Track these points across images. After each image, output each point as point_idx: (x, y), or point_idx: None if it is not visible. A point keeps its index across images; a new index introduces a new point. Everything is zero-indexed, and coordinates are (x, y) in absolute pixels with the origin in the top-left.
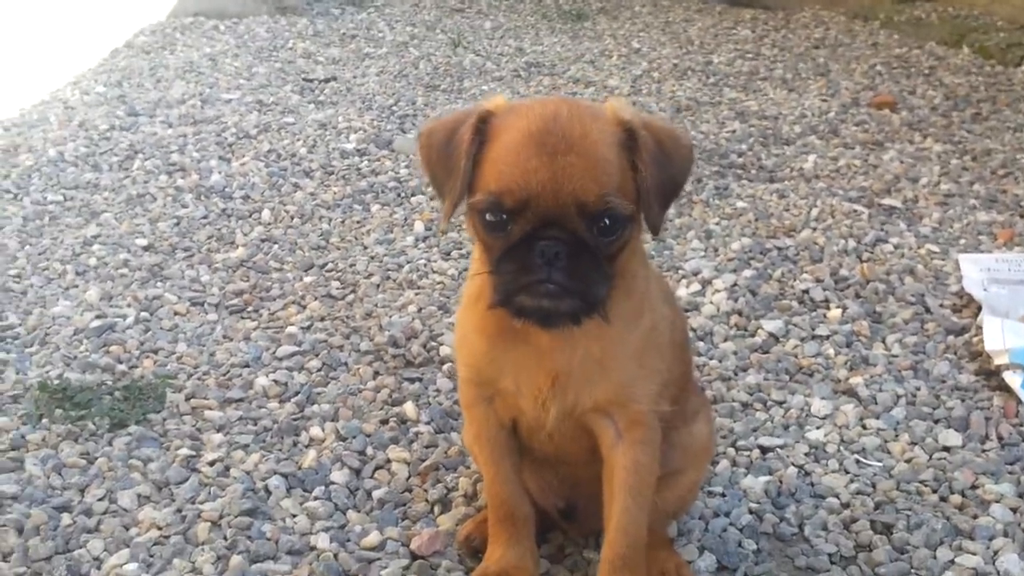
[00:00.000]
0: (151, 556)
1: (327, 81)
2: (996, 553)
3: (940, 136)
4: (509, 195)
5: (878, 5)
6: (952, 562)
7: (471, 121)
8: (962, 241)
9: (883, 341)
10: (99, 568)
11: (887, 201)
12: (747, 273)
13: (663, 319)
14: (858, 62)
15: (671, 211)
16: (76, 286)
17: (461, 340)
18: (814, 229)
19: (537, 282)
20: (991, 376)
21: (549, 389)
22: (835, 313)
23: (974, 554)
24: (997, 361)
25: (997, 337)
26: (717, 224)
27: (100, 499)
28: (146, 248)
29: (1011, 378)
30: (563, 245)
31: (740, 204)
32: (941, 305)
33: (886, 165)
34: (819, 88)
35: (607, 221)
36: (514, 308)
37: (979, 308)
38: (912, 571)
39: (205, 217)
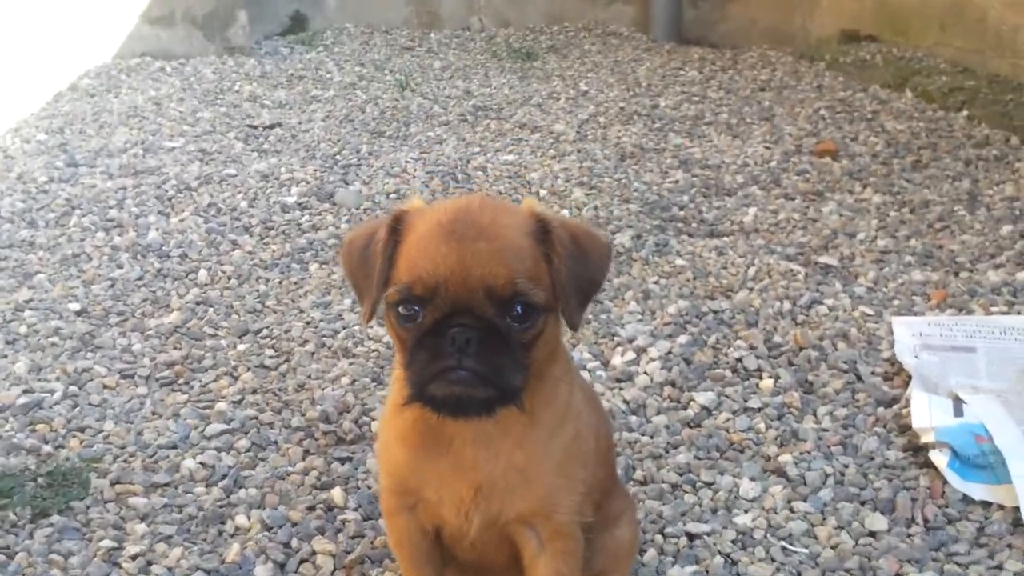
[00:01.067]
0: None
1: (271, 127)
2: None
3: (880, 186)
4: (419, 283)
5: (824, 46)
6: None
7: (387, 221)
8: (896, 302)
9: (814, 413)
10: None
11: (824, 259)
12: (682, 339)
13: (587, 426)
14: (803, 105)
15: (610, 269)
16: (5, 356)
17: (383, 448)
18: (751, 290)
19: (448, 369)
20: (918, 452)
21: (472, 500)
22: (767, 383)
23: None
24: (924, 439)
25: (924, 414)
26: (656, 283)
27: None
28: (79, 313)
29: (937, 457)
30: (474, 331)
31: (679, 262)
32: (872, 373)
33: (825, 219)
34: (763, 134)
35: (519, 309)
36: (426, 399)
37: (909, 377)
38: None
39: (140, 278)
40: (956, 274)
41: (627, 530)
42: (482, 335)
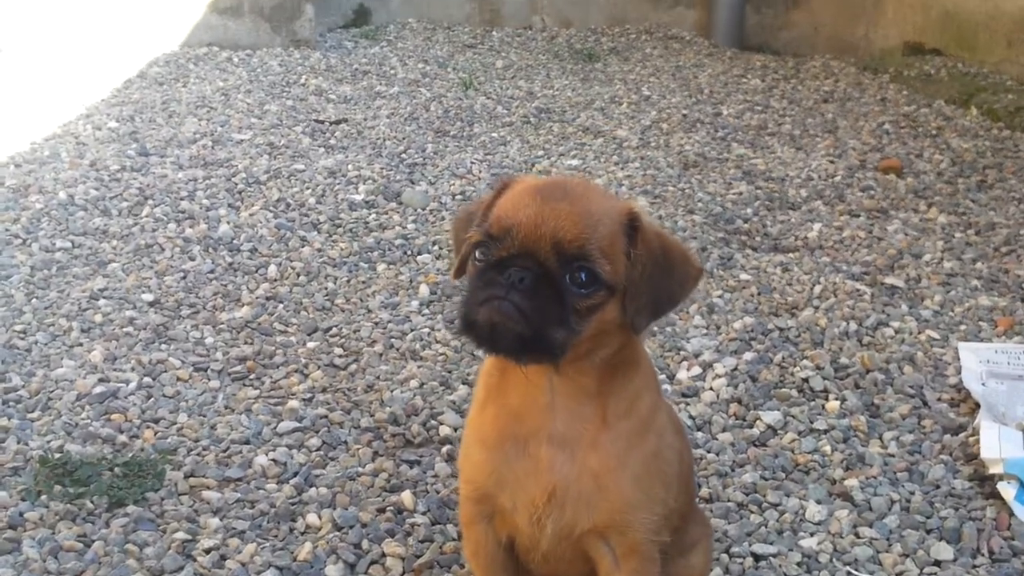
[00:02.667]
0: None
1: (338, 123)
2: None
3: (945, 205)
4: (496, 223)
5: (888, 57)
6: None
7: (496, 187)
8: (963, 327)
9: (880, 438)
10: None
11: (890, 280)
12: (748, 356)
13: (669, 448)
14: (866, 119)
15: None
16: (81, 344)
17: (464, 453)
18: (816, 308)
19: (495, 297)
20: (984, 482)
21: (545, 505)
22: (833, 405)
23: None
24: (992, 470)
25: (994, 445)
26: (720, 297)
27: None
28: (152, 304)
29: (1005, 489)
30: (531, 274)
31: (744, 276)
32: (939, 399)
33: (890, 238)
34: (827, 147)
35: (583, 274)
36: (469, 324)
37: (977, 404)
38: None
39: (212, 271)
40: (1023, 300)
41: (701, 558)
42: (537, 281)
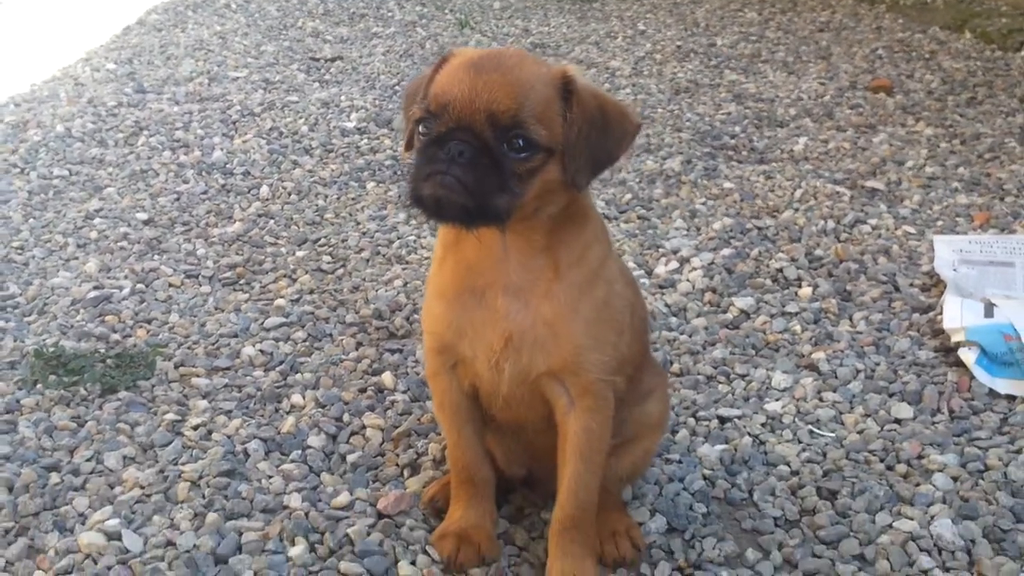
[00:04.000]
0: (133, 513)
1: (333, 60)
2: (932, 518)
3: (932, 120)
4: (434, 99)
5: None
6: (890, 526)
7: (436, 61)
8: (940, 223)
9: (850, 318)
10: (83, 523)
11: (870, 183)
12: (725, 252)
13: (619, 297)
14: (860, 46)
15: (659, 190)
16: (76, 258)
17: (426, 307)
18: (796, 210)
19: (437, 172)
20: (949, 353)
21: (502, 350)
22: (806, 291)
23: (911, 519)
24: (954, 338)
25: (956, 315)
26: (703, 204)
27: (88, 460)
28: (146, 222)
29: (966, 354)
30: (469, 147)
31: (727, 185)
32: (911, 285)
33: (875, 148)
34: (819, 71)
35: (520, 141)
36: (416, 197)
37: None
38: (851, 534)
39: (205, 192)
40: (1002, 199)
41: (657, 404)
42: (476, 153)
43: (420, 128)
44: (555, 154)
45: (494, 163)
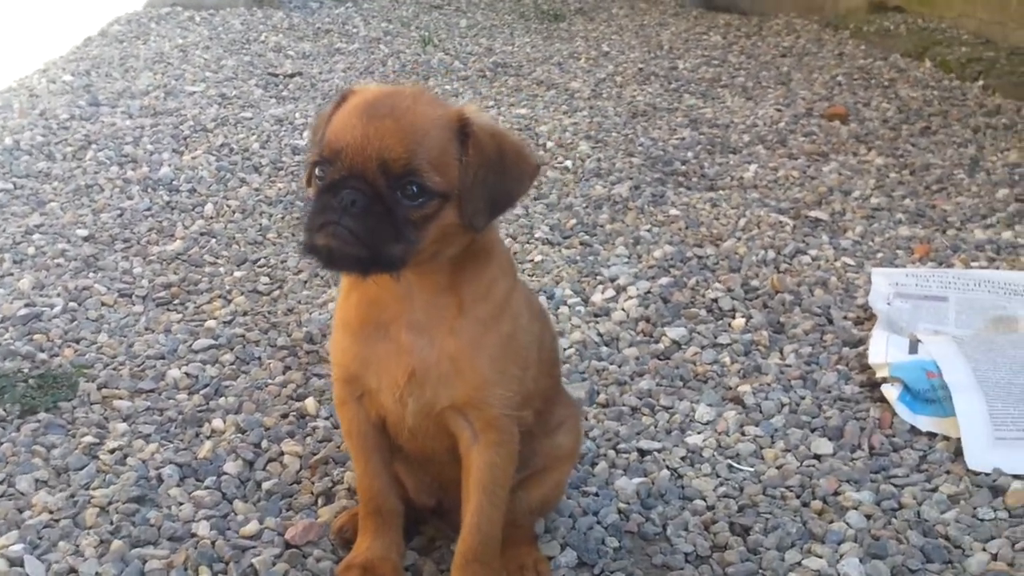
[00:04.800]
0: (39, 538)
1: (292, 76)
2: (841, 557)
3: (884, 149)
4: (328, 146)
5: (851, 15)
6: (799, 564)
7: (336, 99)
8: (879, 255)
9: (780, 351)
10: None
11: (814, 213)
12: (663, 280)
13: (525, 331)
14: (821, 72)
15: (605, 215)
16: (11, 274)
17: (333, 338)
18: (738, 239)
19: (330, 223)
20: (875, 388)
21: (406, 385)
22: (739, 322)
23: (820, 557)
24: (879, 374)
25: (881, 351)
26: (648, 231)
27: (0, 482)
28: (86, 239)
29: (888, 391)
30: (362, 196)
31: (673, 212)
32: (845, 317)
33: (823, 177)
34: (777, 97)
35: (413, 187)
36: (311, 247)
37: None
38: (759, 571)
39: (148, 209)
40: (944, 231)
41: (568, 437)
42: (368, 201)
43: (316, 171)
44: (451, 198)
45: (387, 212)
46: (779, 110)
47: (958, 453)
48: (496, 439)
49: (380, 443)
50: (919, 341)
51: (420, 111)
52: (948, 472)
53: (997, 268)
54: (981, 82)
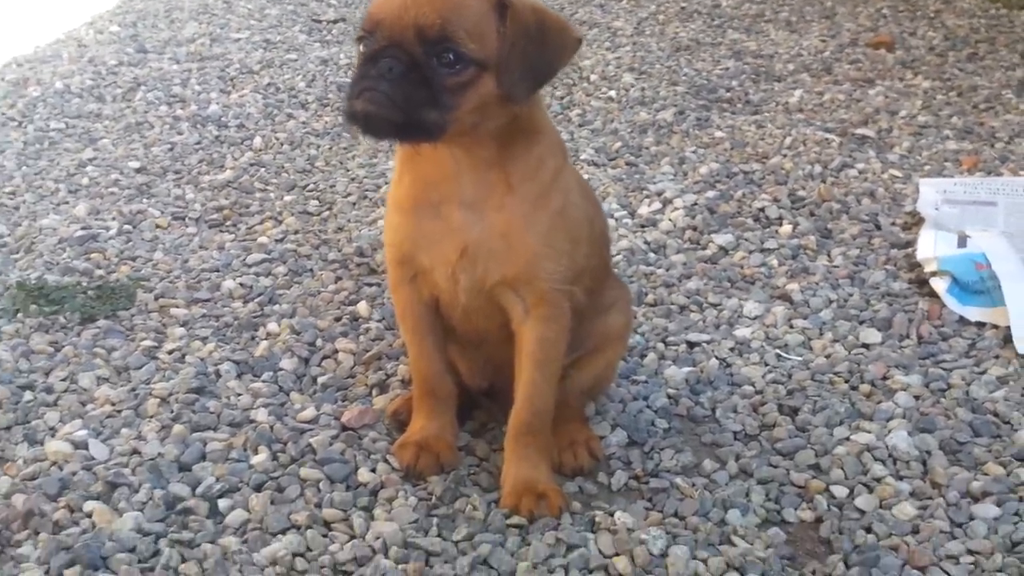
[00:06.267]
0: (102, 426)
1: (336, 22)
2: (890, 432)
3: (931, 74)
4: (369, 18)
5: None
6: (847, 439)
7: None
8: (927, 167)
9: (828, 254)
10: (53, 435)
11: (861, 131)
12: (710, 194)
13: (575, 207)
14: (865, 5)
15: (650, 139)
16: (67, 202)
17: (387, 220)
18: (784, 156)
19: (368, 89)
20: (924, 284)
21: (458, 262)
22: (786, 229)
23: (869, 432)
24: (927, 269)
25: (929, 246)
26: (692, 152)
27: (62, 380)
28: (138, 170)
29: (937, 284)
30: (399, 63)
31: (718, 134)
32: (892, 223)
33: (869, 100)
34: (821, 29)
35: (451, 56)
36: (350, 113)
37: None
38: (808, 446)
39: (199, 143)
40: (992, 145)
41: (619, 316)
42: (405, 68)
43: (360, 47)
44: (489, 67)
45: (424, 78)
46: (823, 41)
47: (1007, 340)
48: (547, 313)
49: (434, 325)
50: (968, 236)
51: None
52: (997, 357)
53: None
54: None
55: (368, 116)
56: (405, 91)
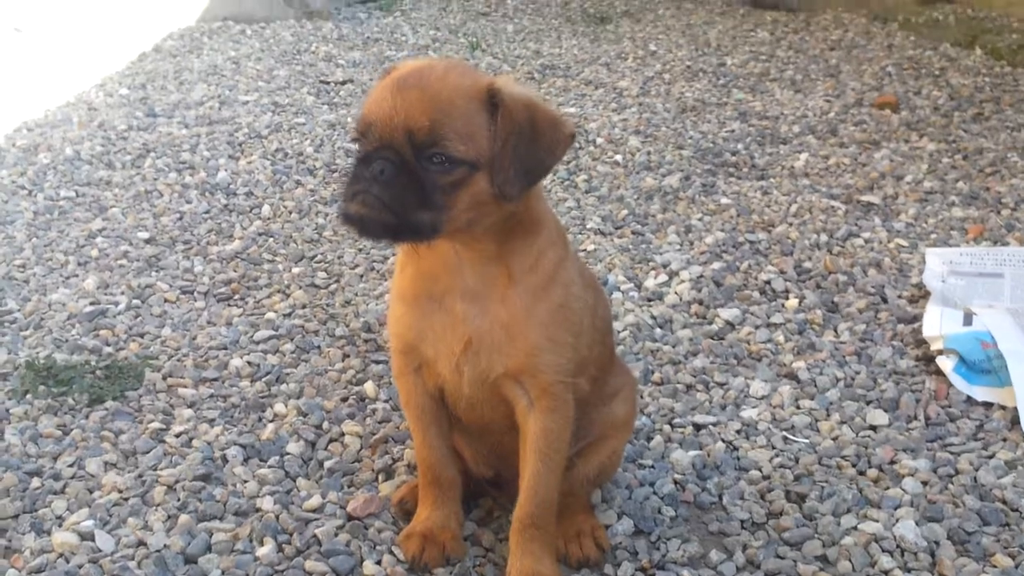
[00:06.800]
0: (109, 515)
1: (344, 83)
2: (897, 521)
3: (936, 136)
4: (362, 120)
5: (899, 7)
6: (855, 528)
7: (380, 75)
8: (933, 236)
9: (834, 329)
10: (60, 525)
11: (867, 197)
12: (716, 265)
13: (576, 299)
14: (870, 64)
15: (656, 206)
16: (76, 275)
17: (390, 311)
18: (790, 224)
19: (361, 192)
20: (931, 362)
21: (462, 353)
22: (792, 303)
23: (876, 521)
24: (933, 347)
25: (935, 323)
26: (699, 219)
27: (70, 465)
28: (147, 241)
29: (944, 362)
30: (390, 165)
31: (724, 200)
32: (899, 296)
33: (875, 163)
34: (826, 89)
35: (441, 157)
36: (344, 215)
37: None
38: (815, 536)
39: (207, 212)
40: (998, 212)
41: (624, 406)
42: (397, 170)
43: (356, 147)
44: (480, 167)
45: (415, 180)
46: (829, 101)
47: (1015, 422)
48: (551, 405)
49: (438, 414)
50: (973, 313)
51: (449, 82)
52: (1005, 440)
53: None
54: None
55: (363, 219)
56: (397, 193)
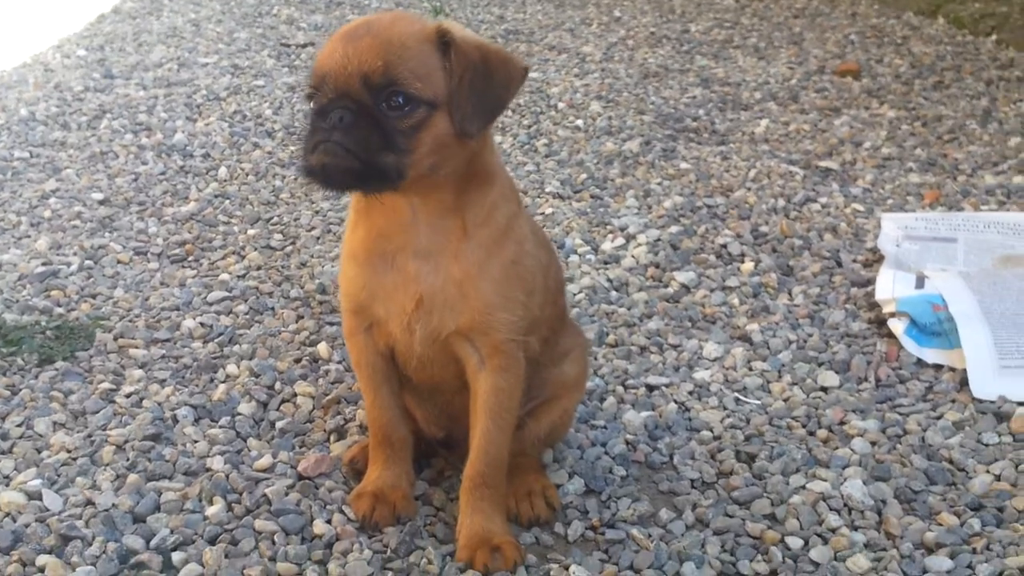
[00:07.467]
0: (57, 475)
1: (305, 46)
2: (845, 480)
3: (896, 103)
4: (314, 74)
5: None
6: (803, 487)
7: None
8: (890, 201)
9: (788, 292)
10: (7, 485)
11: (825, 163)
12: (673, 229)
13: (529, 256)
14: (833, 32)
15: (615, 170)
16: (28, 236)
17: (342, 271)
18: (748, 189)
19: (321, 141)
20: (883, 325)
21: (414, 312)
22: (748, 266)
23: (825, 480)
24: (885, 309)
25: (887, 286)
26: (658, 184)
27: (18, 425)
28: (101, 202)
29: (895, 325)
30: (349, 112)
31: (683, 165)
32: (854, 260)
33: (835, 130)
34: (789, 56)
35: (399, 98)
36: (307, 170)
37: None
38: (764, 495)
39: (163, 174)
40: (955, 178)
41: (575, 366)
42: (356, 116)
43: (311, 104)
44: (439, 107)
45: (376, 124)
46: (791, 68)
47: (963, 383)
48: (502, 364)
49: (389, 374)
50: (926, 276)
51: (398, 27)
52: (953, 401)
53: (1007, 211)
54: (995, 37)
55: (326, 168)
56: (359, 138)
